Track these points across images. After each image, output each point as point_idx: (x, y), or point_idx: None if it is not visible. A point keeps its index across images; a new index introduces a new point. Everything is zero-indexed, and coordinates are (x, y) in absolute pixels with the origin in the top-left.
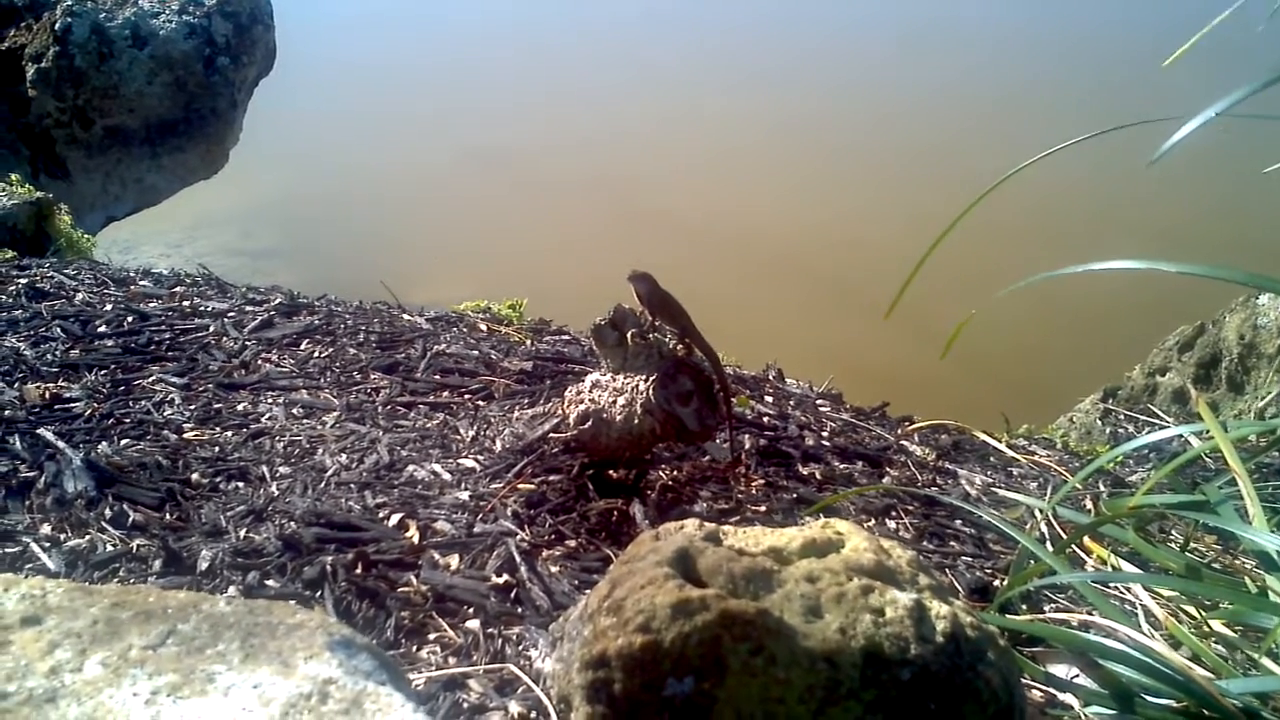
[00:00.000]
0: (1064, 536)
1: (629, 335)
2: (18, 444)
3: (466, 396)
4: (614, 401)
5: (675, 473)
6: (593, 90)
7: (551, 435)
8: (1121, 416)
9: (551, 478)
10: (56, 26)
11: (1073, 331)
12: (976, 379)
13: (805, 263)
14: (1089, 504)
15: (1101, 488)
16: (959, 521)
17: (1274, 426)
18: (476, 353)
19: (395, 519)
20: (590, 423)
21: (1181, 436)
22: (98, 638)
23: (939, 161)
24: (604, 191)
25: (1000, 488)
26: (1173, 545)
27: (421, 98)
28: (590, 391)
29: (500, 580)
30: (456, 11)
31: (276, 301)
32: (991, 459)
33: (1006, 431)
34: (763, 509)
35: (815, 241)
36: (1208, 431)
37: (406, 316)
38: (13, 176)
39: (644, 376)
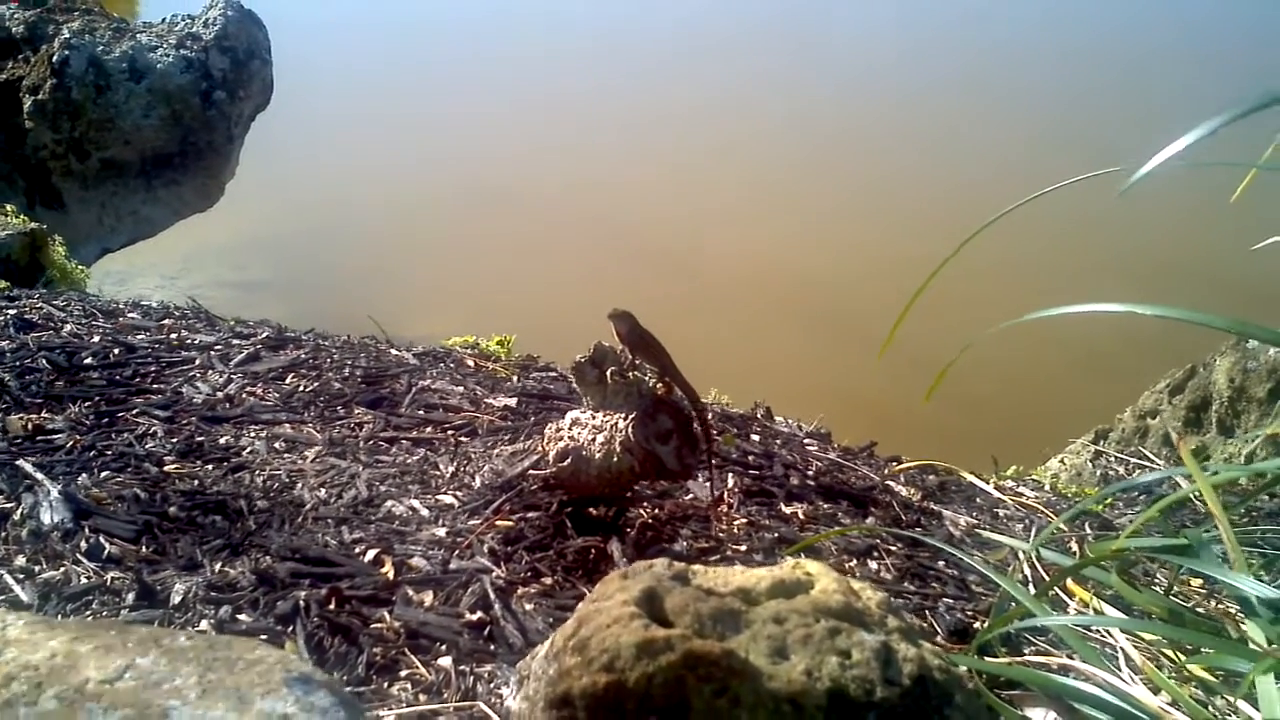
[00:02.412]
0: (1047, 579)
1: (608, 373)
2: None
3: (450, 432)
4: (593, 439)
5: (656, 511)
6: (590, 128)
7: (531, 472)
8: (1112, 459)
9: (530, 515)
10: (54, 59)
11: (1069, 370)
12: (971, 418)
13: (803, 301)
14: (1075, 546)
15: (1088, 530)
16: (942, 563)
17: (1258, 470)
18: (462, 388)
19: (371, 554)
20: (569, 460)
21: (1172, 479)
22: (55, 671)
23: (938, 199)
24: (599, 228)
25: (985, 529)
26: (1157, 589)
27: (419, 133)
28: (570, 429)
29: (474, 617)
30: (455, 52)
31: (264, 335)
32: (978, 500)
33: (995, 473)
34: (743, 548)
35: (813, 279)
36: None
37: (394, 351)
38: (8, 207)
39: (623, 414)
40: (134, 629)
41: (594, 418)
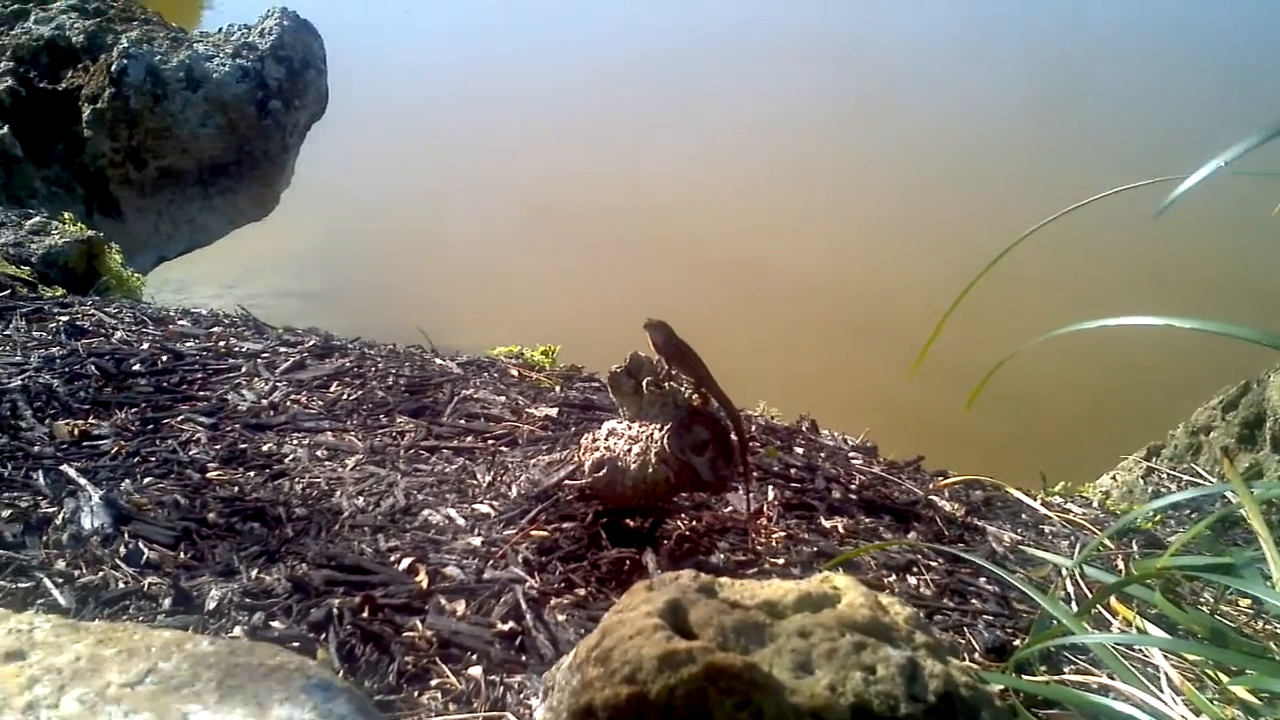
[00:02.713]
0: (1090, 597)
1: (644, 383)
2: (41, 480)
3: (490, 442)
4: (629, 450)
5: (694, 523)
6: (644, 141)
7: (566, 482)
8: (1164, 475)
9: (565, 525)
10: (113, 68)
11: (1123, 384)
12: (1023, 432)
13: (855, 312)
14: (1120, 564)
15: (1134, 547)
16: (983, 580)
17: None
18: (504, 398)
19: (406, 563)
20: (605, 470)
21: (1223, 496)
22: (78, 674)
23: (990, 209)
24: (650, 240)
25: (1029, 545)
26: (1204, 608)
27: (475, 145)
28: (606, 439)
29: (506, 627)
30: (512, 64)
31: (311, 343)
32: (1024, 516)
33: (1043, 489)
34: (781, 562)
35: (866, 290)
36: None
37: (439, 361)
38: (65, 215)
39: (659, 425)
40: (158, 633)
41: (630, 428)
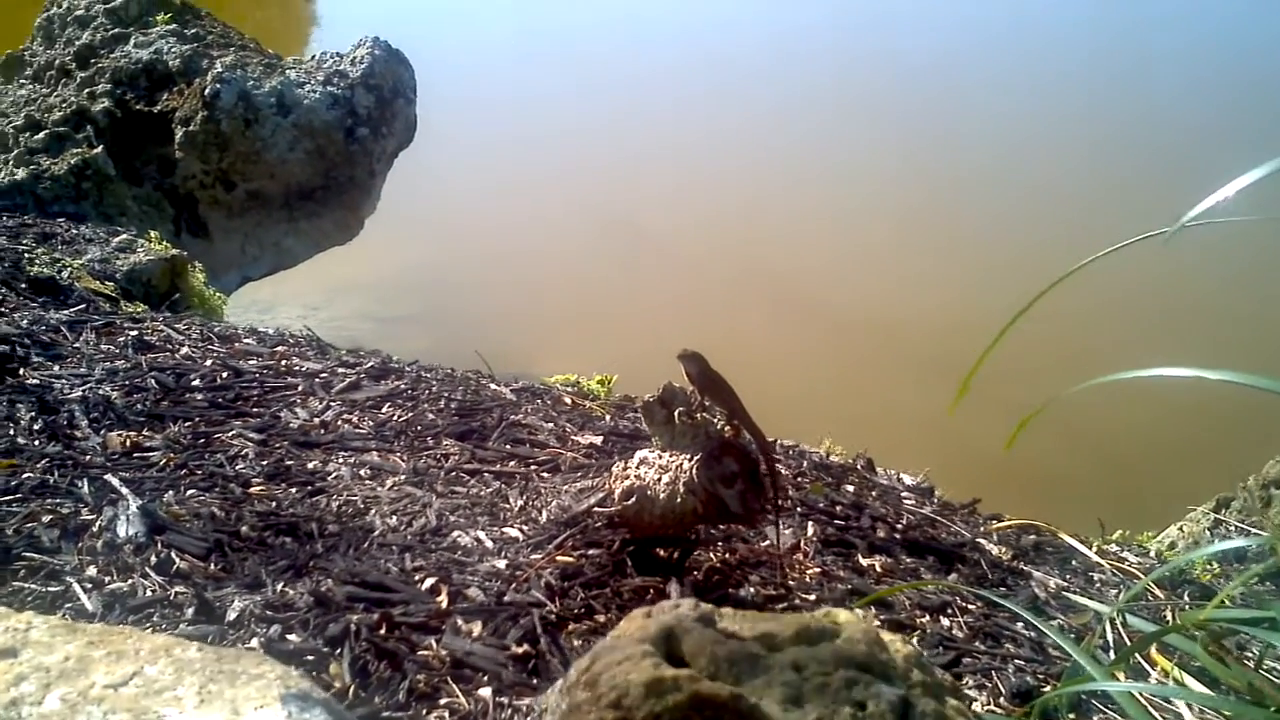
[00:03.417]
0: (1129, 645)
1: (676, 414)
2: (86, 488)
3: (533, 467)
4: (659, 479)
5: (727, 555)
6: (738, 177)
7: (596, 509)
8: (1233, 528)
9: (591, 552)
10: (206, 92)
11: (1202, 430)
12: (1096, 477)
13: (930, 350)
14: (1169, 614)
15: (1185, 598)
16: (1020, 625)
17: None
18: (552, 425)
19: (429, 583)
20: (634, 499)
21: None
22: (65, 674)
23: (1053, 241)
24: (730, 271)
25: (1075, 592)
26: (1250, 663)
27: (560, 174)
28: (637, 468)
29: (520, 650)
30: (605, 87)
31: (369, 365)
32: (1074, 563)
33: (1101, 535)
34: (813, 598)
35: (940, 327)
36: None
37: (494, 386)
38: (152, 234)
39: (689, 456)
40: (151, 638)
41: (660, 458)
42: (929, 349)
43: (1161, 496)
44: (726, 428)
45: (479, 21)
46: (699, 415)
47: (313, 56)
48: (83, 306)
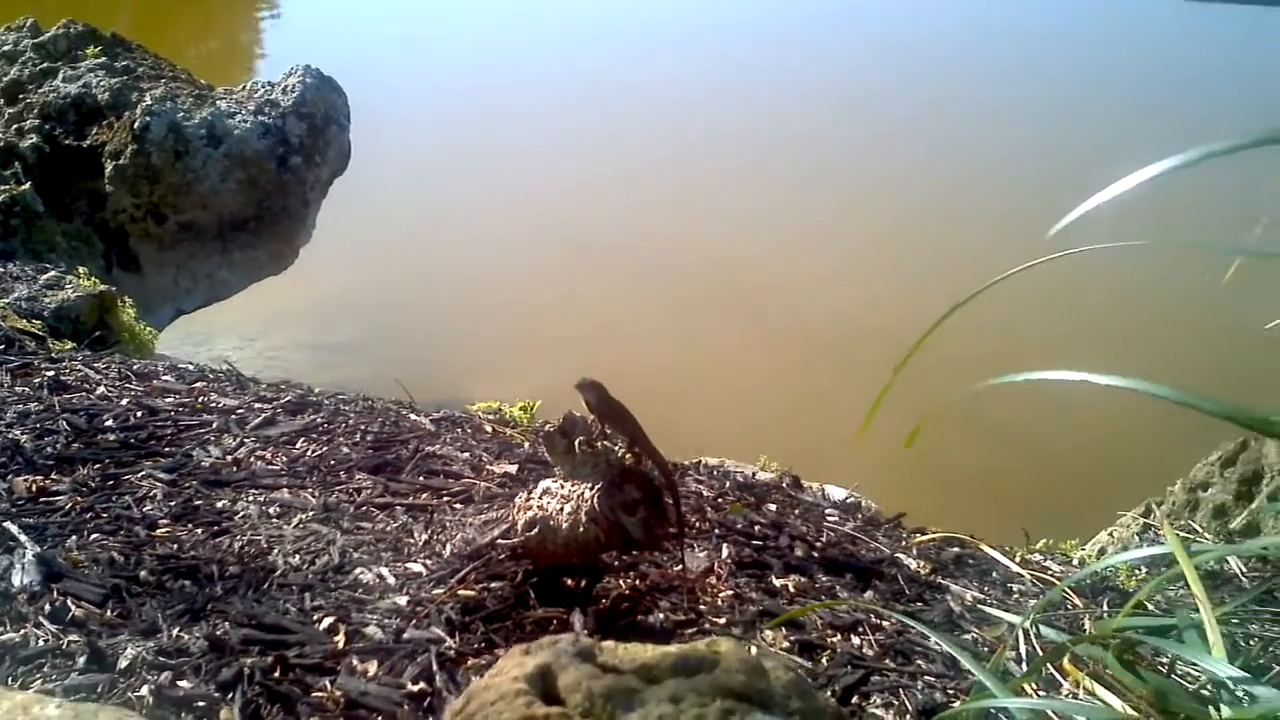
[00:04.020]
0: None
1: (577, 443)
2: None
3: (446, 499)
4: (561, 509)
5: (637, 581)
6: (697, 194)
7: (499, 541)
8: (1160, 533)
9: (494, 584)
10: (135, 125)
11: (1146, 434)
12: (1044, 485)
13: (885, 363)
14: (1087, 623)
15: (1105, 606)
16: (934, 640)
17: (1243, 551)
18: (468, 454)
19: (327, 622)
20: (537, 529)
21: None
22: None
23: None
24: (701, 287)
25: (992, 605)
26: (1162, 669)
27: (500, 196)
28: (540, 498)
29: (416, 688)
30: (535, 119)
31: (286, 399)
32: (993, 575)
33: (1026, 545)
34: (723, 621)
35: (900, 340)
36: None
37: (413, 416)
38: (80, 270)
39: (590, 484)
40: (11, 695)
41: (563, 487)
42: (895, 360)
43: (1103, 501)
44: (628, 455)
45: (427, 44)
46: (599, 444)
47: (244, 86)
48: (3, 348)
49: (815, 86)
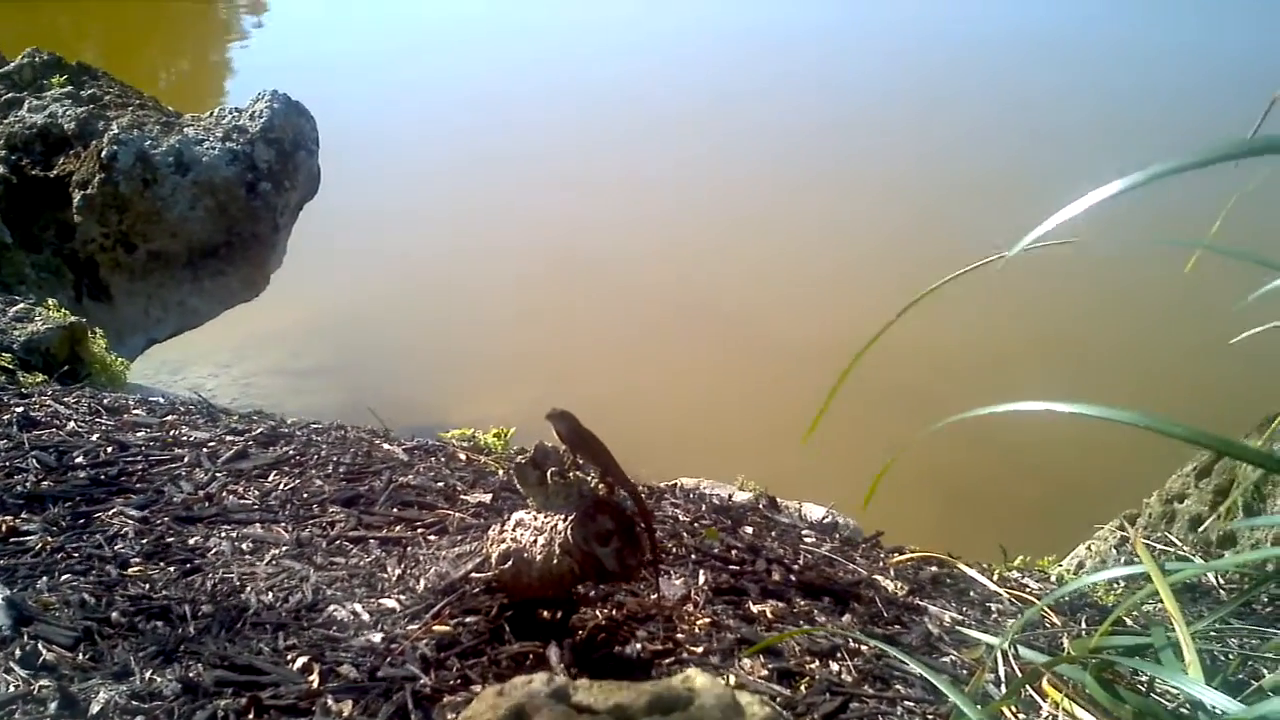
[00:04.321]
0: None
1: (549, 474)
2: None
3: (420, 530)
4: (535, 541)
5: (613, 611)
6: (677, 213)
7: (473, 575)
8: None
9: (468, 619)
10: (103, 154)
11: (1124, 447)
12: (1013, 500)
13: (886, 382)
14: (1065, 641)
15: (1083, 624)
16: (912, 664)
17: (1215, 567)
18: (441, 484)
19: (301, 662)
20: (511, 562)
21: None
22: None
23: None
24: (677, 306)
25: (970, 625)
26: (1141, 688)
27: (475, 218)
28: (513, 530)
29: None
30: (507, 139)
31: (258, 431)
32: (971, 594)
33: (1004, 563)
34: (701, 650)
35: (905, 359)
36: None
37: (386, 446)
38: (49, 301)
39: (563, 516)
40: None
41: (536, 519)
42: (880, 379)
43: (1080, 514)
44: (600, 486)
45: (397, 68)
46: (572, 474)
47: (211, 112)
48: None
49: (795, 107)
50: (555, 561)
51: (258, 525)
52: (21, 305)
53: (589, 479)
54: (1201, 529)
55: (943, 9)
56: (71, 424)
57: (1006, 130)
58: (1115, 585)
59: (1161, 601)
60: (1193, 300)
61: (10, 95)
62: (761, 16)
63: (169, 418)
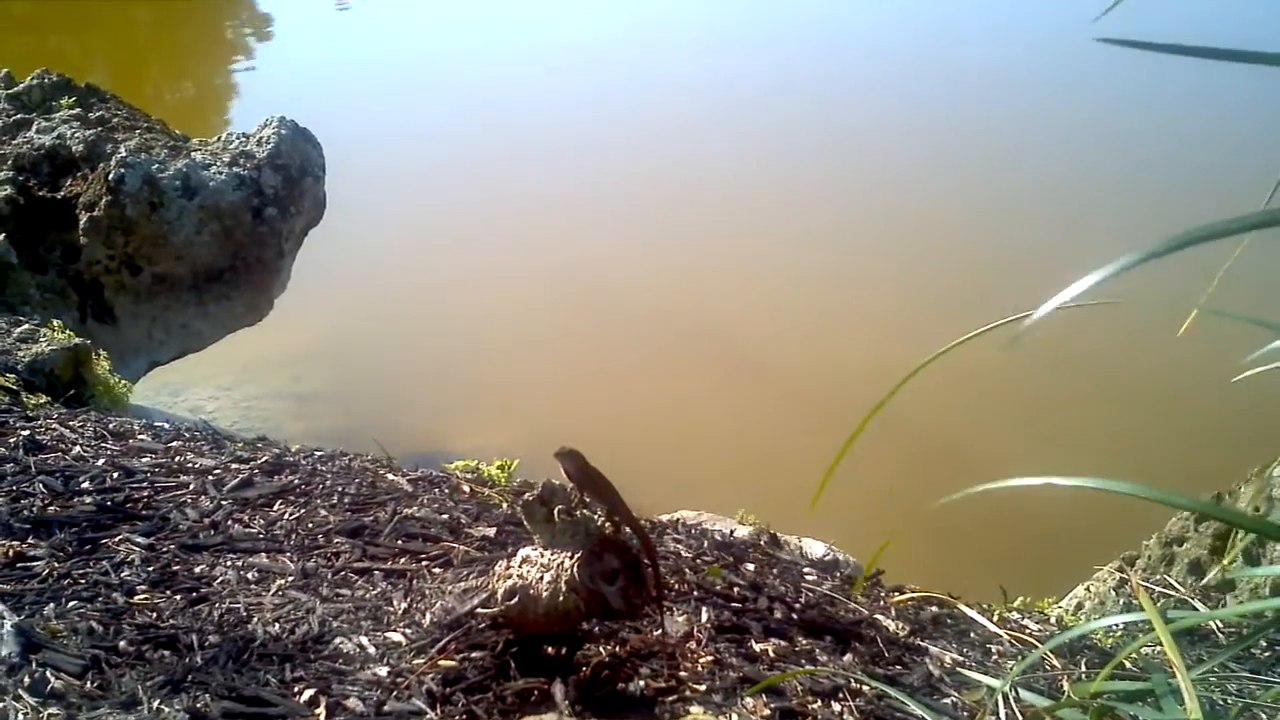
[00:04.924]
0: None
1: (556, 512)
2: None
3: (424, 563)
4: (541, 578)
5: (616, 648)
6: (681, 239)
7: (479, 610)
8: (1136, 587)
9: (474, 654)
10: (110, 177)
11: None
12: (1012, 539)
13: (885, 414)
14: (1065, 684)
15: (1083, 666)
16: (914, 706)
17: (1217, 616)
18: (446, 516)
19: (308, 694)
20: (517, 599)
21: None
22: None
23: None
24: (682, 334)
25: (971, 667)
26: None
27: (480, 245)
28: (520, 566)
29: None
30: (531, 152)
31: (263, 459)
32: (972, 635)
33: (1004, 603)
34: (703, 688)
35: (903, 392)
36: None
37: (390, 477)
38: (54, 323)
39: (569, 554)
40: None
41: (543, 556)
42: (878, 414)
43: (1079, 553)
44: (606, 524)
45: (402, 94)
46: (579, 513)
47: (219, 137)
48: None
49: (803, 139)
50: (561, 599)
51: (263, 555)
52: (26, 326)
53: (596, 517)
54: (1203, 580)
55: (961, 28)
56: (77, 448)
57: (1032, 158)
58: (1114, 628)
59: (1159, 645)
60: (1195, 347)
61: (19, 116)
62: (776, 35)
63: (174, 444)
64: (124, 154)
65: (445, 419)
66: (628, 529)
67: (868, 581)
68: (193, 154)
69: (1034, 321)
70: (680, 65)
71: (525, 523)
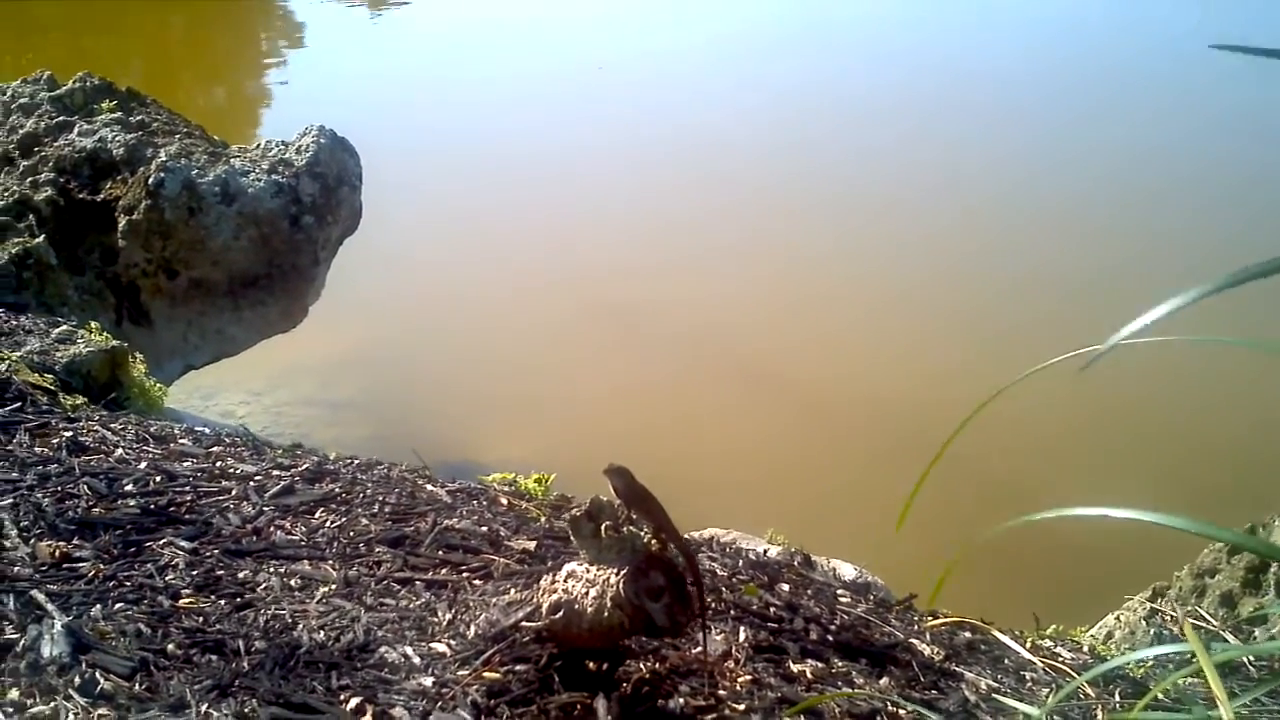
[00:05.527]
0: None
1: (603, 528)
2: (12, 604)
3: (465, 574)
4: (586, 593)
5: (657, 665)
6: (711, 257)
7: (524, 623)
8: (1168, 618)
9: (518, 667)
10: (150, 181)
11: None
12: (1054, 566)
13: (910, 433)
14: (1099, 714)
15: (1117, 697)
16: None
17: (1261, 650)
18: (485, 529)
19: (354, 702)
20: (562, 613)
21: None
22: None
23: (1039, 331)
24: (708, 350)
25: (1006, 694)
26: None
27: (514, 258)
28: (565, 581)
29: None
30: (565, 166)
31: (304, 467)
32: (1006, 661)
33: (1037, 630)
34: (742, 708)
35: (928, 411)
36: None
37: (430, 488)
38: (92, 324)
39: (615, 570)
40: None
41: (588, 571)
42: (903, 430)
43: (1110, 580)
44: (653, 542)
45: (437, 102)
46: (625, 529)
47: (258, 145)
48: (18, 405)
49: (830, 152)
50: (606, 614)
51: (305, 562)
52: (64, 327)
53: (642, 534)
54: (1236, 611)
55: (990, 44)
56: (120, 450)
57: (1065, 179)
58: (1147, 659)
59: (1193, 676)
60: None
61: (61, 118)
62: (801, 53)
63: (215, 449)
64: (164, 158)
65: (473, 430)
66: (673, 547)
67: (901, 603)
68: (232, 160)
69: (1103, 353)
70: (713, 83)
71: (572, 537)
